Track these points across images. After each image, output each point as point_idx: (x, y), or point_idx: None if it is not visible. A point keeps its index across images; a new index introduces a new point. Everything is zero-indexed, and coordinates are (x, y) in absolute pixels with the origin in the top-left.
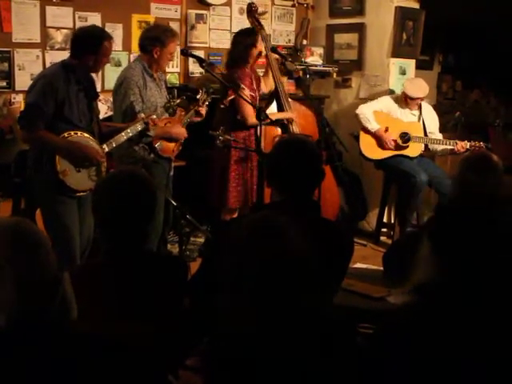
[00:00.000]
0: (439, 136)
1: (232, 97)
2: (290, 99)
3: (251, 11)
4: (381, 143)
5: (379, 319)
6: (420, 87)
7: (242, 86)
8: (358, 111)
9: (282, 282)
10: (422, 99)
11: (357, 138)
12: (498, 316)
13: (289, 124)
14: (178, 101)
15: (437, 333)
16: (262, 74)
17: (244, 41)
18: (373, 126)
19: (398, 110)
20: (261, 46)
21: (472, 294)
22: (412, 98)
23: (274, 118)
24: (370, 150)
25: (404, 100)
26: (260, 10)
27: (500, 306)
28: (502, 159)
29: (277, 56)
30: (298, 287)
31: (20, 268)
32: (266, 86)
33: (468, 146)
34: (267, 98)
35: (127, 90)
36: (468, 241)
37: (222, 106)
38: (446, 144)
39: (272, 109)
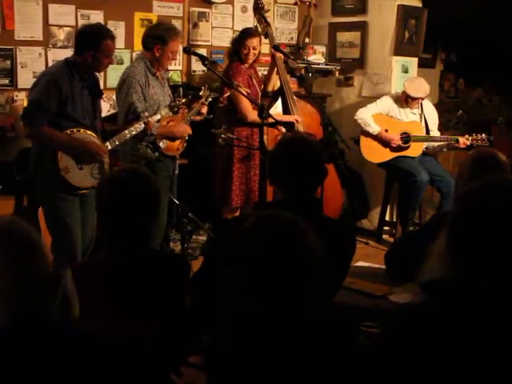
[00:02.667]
0: (437, 133)
1: (228, 94)
2: (295, 97)
3: (258, 8)
4: (384, 144)
5: (383, 318)
6: (421, 87)
7: (236, 83)
8: (356, 116)
9: (292, 281)
10: (422, 99)
11: (357, 141)
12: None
13: (295, 125)
14: (184, 100)
15: (448, 333)
16: (265, 73)
17: (237, 38)
18: (373, 128)
19: (398, 110)
20: (251, 48)
21: (487, 293)
22: (413, 98)
23: (278, 119)
24: (371, 153)
25: (404, 100)
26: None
27: None
28: (505, 157)
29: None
30: (308, 287)
31: (15, 268)
32: (269, 85)
33: (470, 141)
34: (271, 97)
35: (129, 88)
36: (488, 238)
37: (221, 105)
38: (447, 140)
39: (276, 107)
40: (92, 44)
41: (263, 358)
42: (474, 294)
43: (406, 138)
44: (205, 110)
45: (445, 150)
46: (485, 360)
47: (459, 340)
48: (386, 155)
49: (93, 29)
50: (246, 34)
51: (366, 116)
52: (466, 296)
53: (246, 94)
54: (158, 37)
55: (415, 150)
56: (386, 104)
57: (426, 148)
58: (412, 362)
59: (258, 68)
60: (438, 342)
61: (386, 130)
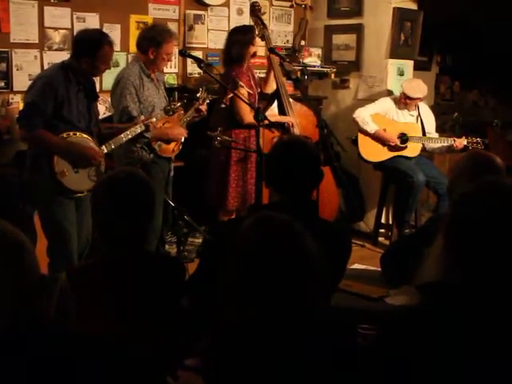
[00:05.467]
0: (435, 136)
1: (231, 95)
2: (291, 100)
3: (255, 10)
4: (383, 143)
5: (380, 320)
6: (419, 87)
7: (241, 83)
8: (354, 115)
9: (291, 282)
10: (420, 99)
11: (354, 141)
12: (509, 321)
13: (290, 128)
14: (179, 104)
15: (445, 335)
16: (263, 75)
17: (241, 39)
18: (371, 127)
19: (396, 112)
20: (257, 44)
21: (485, 295)
22: (411, 99)
23: (274, 120)
24: (368, 152)
25: (403, 101)
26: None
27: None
28: (501, 159)
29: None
30: (305, 288)
31: (4, 271)
32: (267, 87)
33: (465, 143)
34: (267, 99)
35: (123, 90)
36: (485, 240)
37: (223, 106)
38: (443, 142)
39: (272, 109)
40: (89, 51)
41: (262, 360)
42: (471, 296)
43: (404, 138)
44: (204, 107)
45: (444, 153)
46: (482, 362)
47: (456, 342)
48: (384, 154)
49: (90, 36)
50: (252, 31)
51: (365, 115)
52: (463, 298)
53: (247, 96)
54: (153, 39)
55: (413, 150)
56: (384, 105)
57: (425, 150)
58: (409, 363)
59: (254, 70)
60: (435, 344)
61: (384, 130)
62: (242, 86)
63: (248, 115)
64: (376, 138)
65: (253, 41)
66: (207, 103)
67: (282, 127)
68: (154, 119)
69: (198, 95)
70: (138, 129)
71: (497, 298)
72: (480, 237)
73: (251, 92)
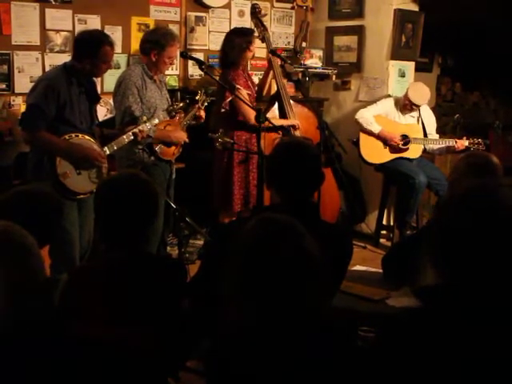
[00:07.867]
0: (436, 137)
1: (230, 98)
2: (291, 101)
3: (255, 12)
4: (385, 144)
5: (380, 322)
6: (423, 94)
7: (238, 86)
8: (357, 116)
9: (293, 283)
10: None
11: (355, 143)
12: (505, 323)
13: (291, 130)
14: (181, 104)
15: (441, 338)
16: (261, 77)
17: (238, 42)
18: (376, 127)
19: (397, 113)
20: (254, 48)
21: (477, 299)
22: (417, 105)
23: (277, 123)
24: (370, 154)
25: (408, 105)
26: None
27: (507, 312)
28: (502, 161)
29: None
30: (306, 288)
31: (8, 271)
32: (264, 89)
33: (467, 144)
34: (268, 101)
35: (125, 90)
36: (472, 243)
37: (223, 110)
38: (445, 143)
39: (273, 111)
40: (90, 52)
41: (263, 361)
42: (467, 300)
43: (406, 140)
44: (202, 114)
45: (444, 153)
46: (480, 365)
47: (456, 344)
48: (386, 156)
49: (91, 36)
50: (251, 34)
51: (368, 115)
52: (462, 300)
53: (247, 96)
54: (156, 42)
55: (414, 151)
56: (385, 106)
57: (426, 152)
58: (409, 365)
59: (254, 72)
60: (435, 346)
61: None
62: (240, 89)
63: (253, 116)
64: (380, 138)
65: (249, 46)
66: (206, 106)
67: (284, 129)
68: (157, 120)
69: (196, 98)
70: (125, 139)
71: (494, 298)
72: (466, 241)
73: (250, 93)
